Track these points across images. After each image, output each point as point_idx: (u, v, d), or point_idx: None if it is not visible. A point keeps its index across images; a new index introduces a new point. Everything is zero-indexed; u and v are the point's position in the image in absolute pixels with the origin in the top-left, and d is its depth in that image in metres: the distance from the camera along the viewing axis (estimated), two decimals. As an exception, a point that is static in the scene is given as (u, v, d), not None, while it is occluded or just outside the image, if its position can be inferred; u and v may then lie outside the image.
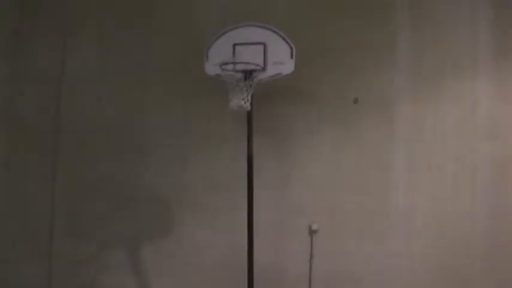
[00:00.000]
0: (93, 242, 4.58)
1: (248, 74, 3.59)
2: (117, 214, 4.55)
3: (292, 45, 3.61)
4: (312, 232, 4.15)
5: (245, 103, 3.56)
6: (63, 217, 4.66)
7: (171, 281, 4.38)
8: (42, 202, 4.68)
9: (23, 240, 4.72)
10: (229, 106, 3.56)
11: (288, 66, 3.61)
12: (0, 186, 4.82)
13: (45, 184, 4.69)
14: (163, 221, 4.48)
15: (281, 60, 3.61)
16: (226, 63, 3.59)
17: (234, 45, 3.64)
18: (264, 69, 3.61)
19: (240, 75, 3.60)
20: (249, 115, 3.71)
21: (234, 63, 3.60)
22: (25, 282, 4.65)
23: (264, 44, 3.61)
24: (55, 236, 4.66)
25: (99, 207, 4.58)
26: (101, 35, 4.70)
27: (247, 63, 3.56)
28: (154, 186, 4.51)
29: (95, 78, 4.68)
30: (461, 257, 3.92)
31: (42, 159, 4.73)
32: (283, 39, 3.62)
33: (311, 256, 4.15)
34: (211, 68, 3.69)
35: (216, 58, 3.65)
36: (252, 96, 3.59)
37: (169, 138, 4.50)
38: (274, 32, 3.64)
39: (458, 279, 3.92)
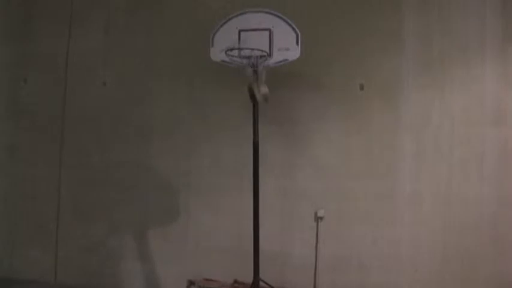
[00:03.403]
0: (99, 228, 4.62)
1: (254, 61, 3.58)
2: (123, 200, 4.58)
3: (298, 31, 3.59)
4: (317, 219, 4.16)
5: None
6: (70, 203, 4.70)
7: (178, 265, 4.41)
8: (49, 188, 4.73)
9: (29, 226, 4.77)
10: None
11: (294, 53, 3.60)
12: (5, 172, 4.87)
13: (51, 170, 4.73)
14: (170, 207, 4.50)
15: (287, 47, 3.60)
16: (231, 49, 3.57)
17: (240, 31, 3.63)
18: (269, 55, 3.60)
19: (245, 62, 3.59)
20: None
21: (240, 49, 3.59)
22: (32, 267, 4.70)
23: (270, 30, 3.60)
24: (61, 222, 4.71)
25: (105, 193, 4.62)
26: (106, 21, 4.70)
27: (253, 49, 3.55)
28: (160, 172, 4.53)
29: (100, 64, 4.69)
30: (467, 242, 3.91)
31: (48, 145, 4.76)
32: (289, 25, 3.60)
33: (317, 242, 4.16)
34: (217, 54, 3.69)
35: (222, 44, 3.64)
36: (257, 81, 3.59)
37: (175, 124, 4.51)
38: (280, 17, 3.62)
39: (464, 265, 3.91)
